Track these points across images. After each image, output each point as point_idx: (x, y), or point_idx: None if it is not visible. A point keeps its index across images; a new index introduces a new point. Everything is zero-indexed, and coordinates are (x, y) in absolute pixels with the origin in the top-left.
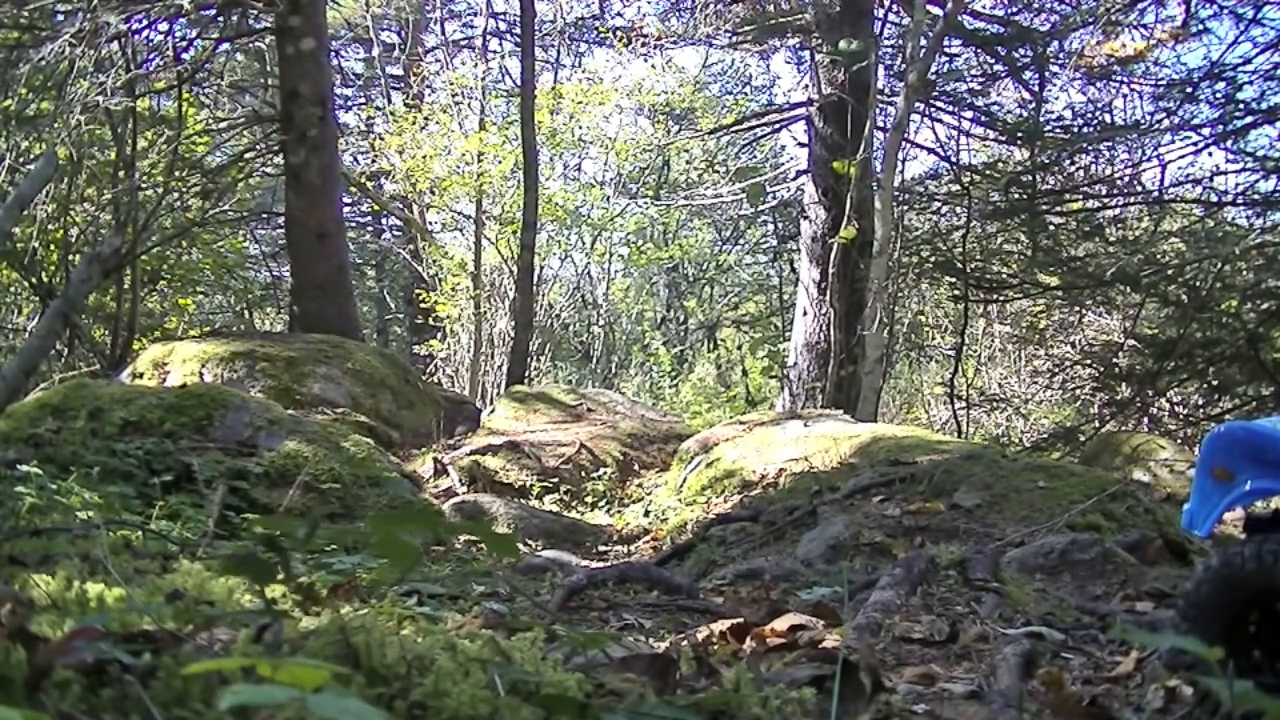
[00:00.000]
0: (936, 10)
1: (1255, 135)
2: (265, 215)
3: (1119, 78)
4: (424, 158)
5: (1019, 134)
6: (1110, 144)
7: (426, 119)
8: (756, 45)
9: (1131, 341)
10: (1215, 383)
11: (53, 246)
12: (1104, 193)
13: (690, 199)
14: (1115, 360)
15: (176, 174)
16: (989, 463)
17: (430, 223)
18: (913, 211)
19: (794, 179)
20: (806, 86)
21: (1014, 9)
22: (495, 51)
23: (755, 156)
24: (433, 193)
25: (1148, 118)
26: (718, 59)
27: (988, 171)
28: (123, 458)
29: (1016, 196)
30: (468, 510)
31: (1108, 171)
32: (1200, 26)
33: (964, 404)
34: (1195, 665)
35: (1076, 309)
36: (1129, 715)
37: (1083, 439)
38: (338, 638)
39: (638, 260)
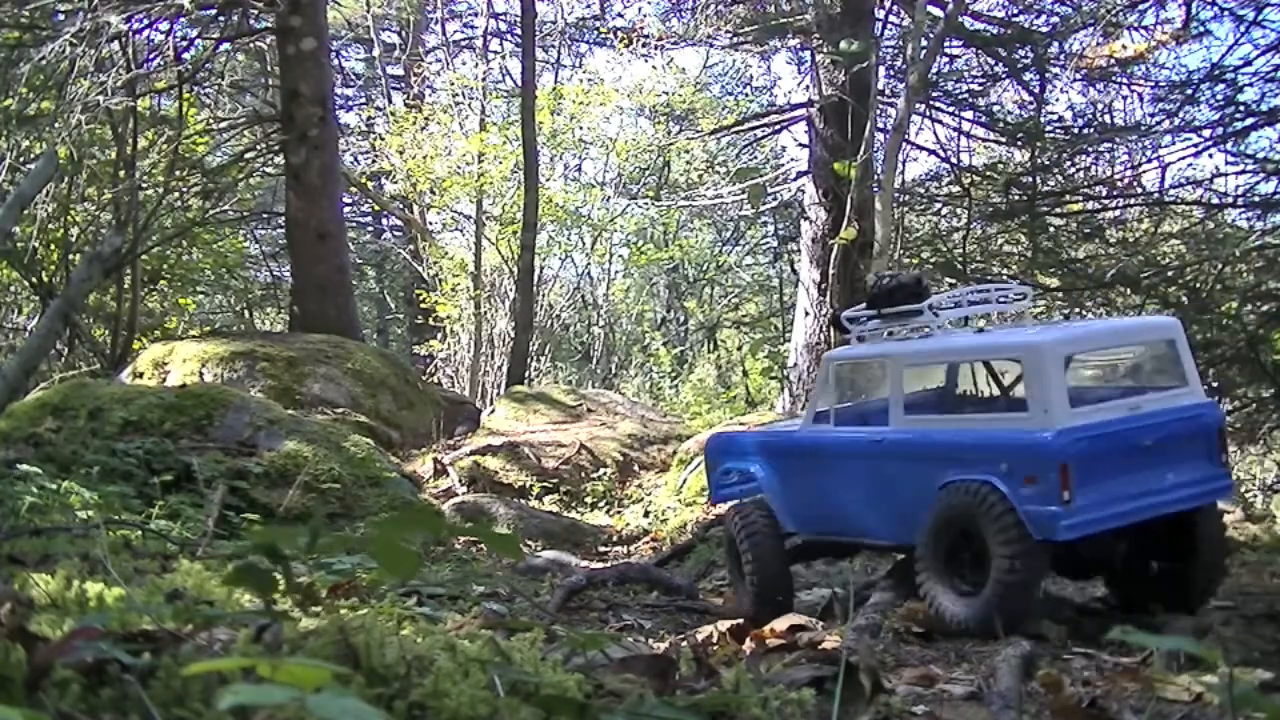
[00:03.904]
0: (937, 11)
1: (1255, 137)
2: (265, 215)
3: (1119, 79)
4: (424, 158)
5: (1019, 135)
6: (1111, 145)
7: (427, 119)
8: (757, 46)
9: None
10: (1215, 384)
11: (53, 246)
12: (1104, 194)
13: (691, 200)
14: None
15: (177, 174)
16: None
17: (430, 223)
18: (913, 213)
19: (794, 180)
20: (807, 87)
21: (1015, 10)
22: (496, 52)
23: (756, 157)
24: (433, 193)
25: (1148, 119)
26: (718, 60)
27: (988, 173)
28: (123, 457)
29: (1017, 198)
30: (468, 511)
31: (1108, 173)
32: (1201, 28)
33: None
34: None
35: (1077, 310)
36: (1128, 716)
37: None
38: (338, 638)
39: (638, 261)
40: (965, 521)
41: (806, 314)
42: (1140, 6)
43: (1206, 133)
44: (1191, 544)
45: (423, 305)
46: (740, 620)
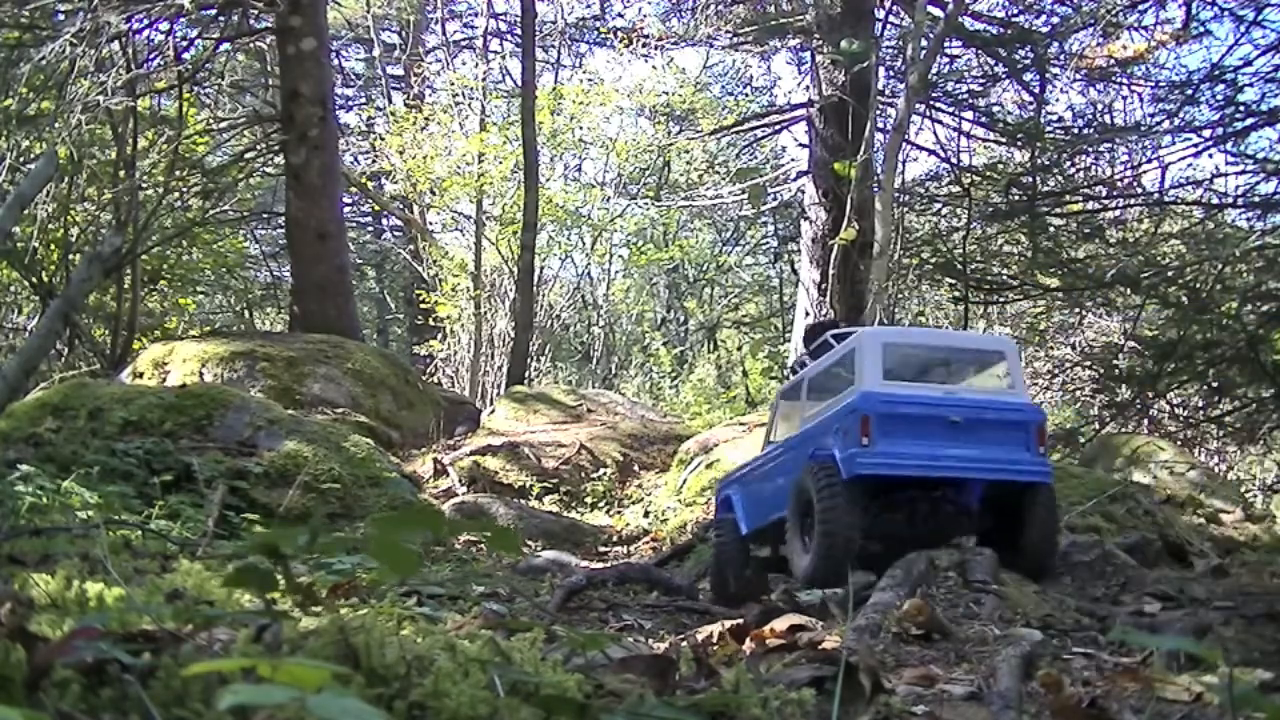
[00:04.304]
0: (937, 11)
1: (1255, 137)
2: (265, 215)
3: (1119, 79)
4: (424, 158)
5: (1019, 135)
6: (1110, 145)
7: (427, 119)
8: (757, 46)
9: (1131, 343)
10: (1215, 384)
11: (53, 246)
12: (1104, 194)
13: (691, 200)
14: (1115, 362)
15: (177, 174)
16: None
17: (430, 223)
18: (913, 213)
19: (794, 180)
20: (807, 87)
21: (1015, 10)
22: (496, 52)
23: (756, 157)
24: (433, 193)
25: (1148, 119)
26: (719, 60)
27: (988, 173)
28: (123, 457)
29: (1017, 198)
30: (468, 511)
31: (1108, 173)
32: (1201, 28)
33: None
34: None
35: (1077, 310)
36: (1128, 716)
37: (1083, 441)
38: (338, 638)
39: (638, 261)
40: (807, 480)
41: (806, 314)
42: (1140, 6)
43: (1206, 133)
44: (1022, 522)
45: (423, 305)
46: (740, 620)
